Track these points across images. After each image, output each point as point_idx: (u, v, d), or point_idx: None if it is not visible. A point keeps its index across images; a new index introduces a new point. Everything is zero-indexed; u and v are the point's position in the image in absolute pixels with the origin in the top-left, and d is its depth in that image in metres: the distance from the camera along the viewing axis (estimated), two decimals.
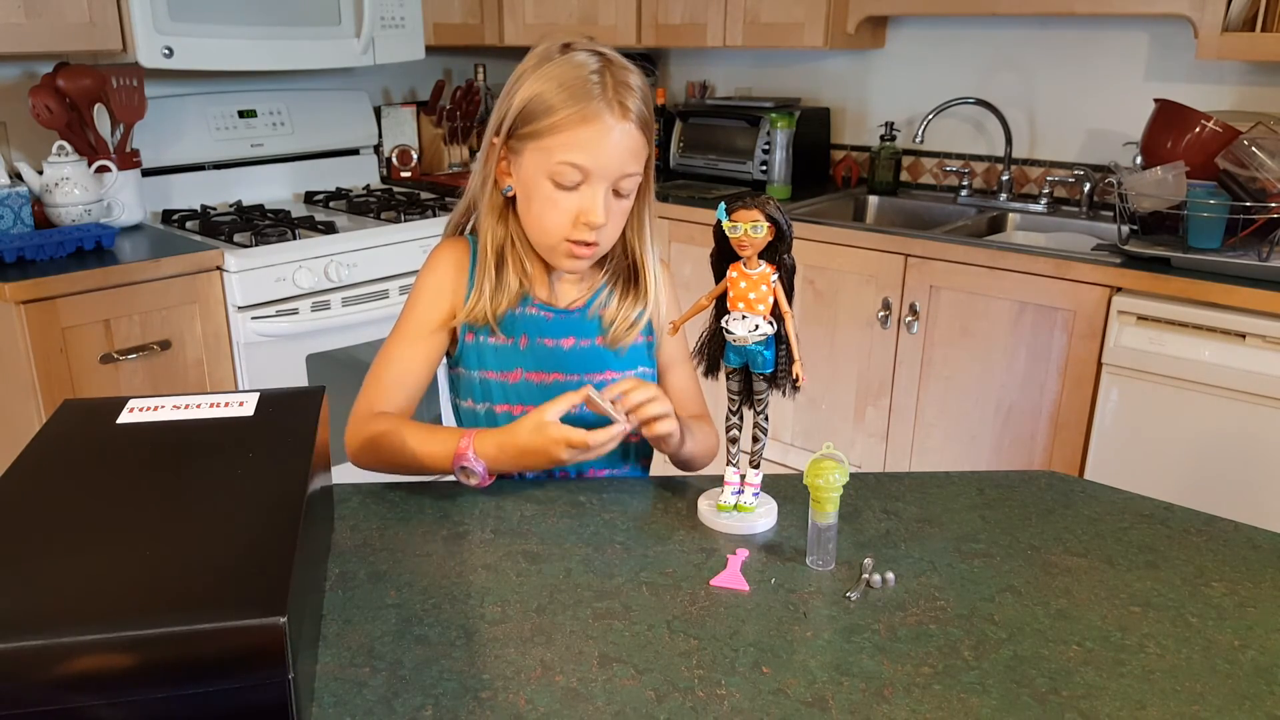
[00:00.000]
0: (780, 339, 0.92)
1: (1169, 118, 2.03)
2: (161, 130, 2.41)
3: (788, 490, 1.02)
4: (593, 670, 0.74)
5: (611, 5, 2.83)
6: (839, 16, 2.50)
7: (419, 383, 1.13)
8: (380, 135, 2.95)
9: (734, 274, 0.91)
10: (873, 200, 2.74)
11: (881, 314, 2.26)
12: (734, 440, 0.98)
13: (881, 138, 2.75)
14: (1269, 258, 1.79)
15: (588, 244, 1.06)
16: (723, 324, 0.93)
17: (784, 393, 0.94)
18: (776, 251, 0.91)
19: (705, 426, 1.18)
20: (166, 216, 2.38)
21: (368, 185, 2.85)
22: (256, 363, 2.13)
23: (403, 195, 2.68)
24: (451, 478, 1.04)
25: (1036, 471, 1.11)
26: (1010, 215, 2.54)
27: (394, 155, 2.97)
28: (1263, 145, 1.82)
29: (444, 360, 1.17)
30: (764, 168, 2.74)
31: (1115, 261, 1.93)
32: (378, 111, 2.94)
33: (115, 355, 1.93)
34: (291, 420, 0.85)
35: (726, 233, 0.89)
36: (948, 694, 0.72)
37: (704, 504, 0.99)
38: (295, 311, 2.16)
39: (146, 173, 2.35)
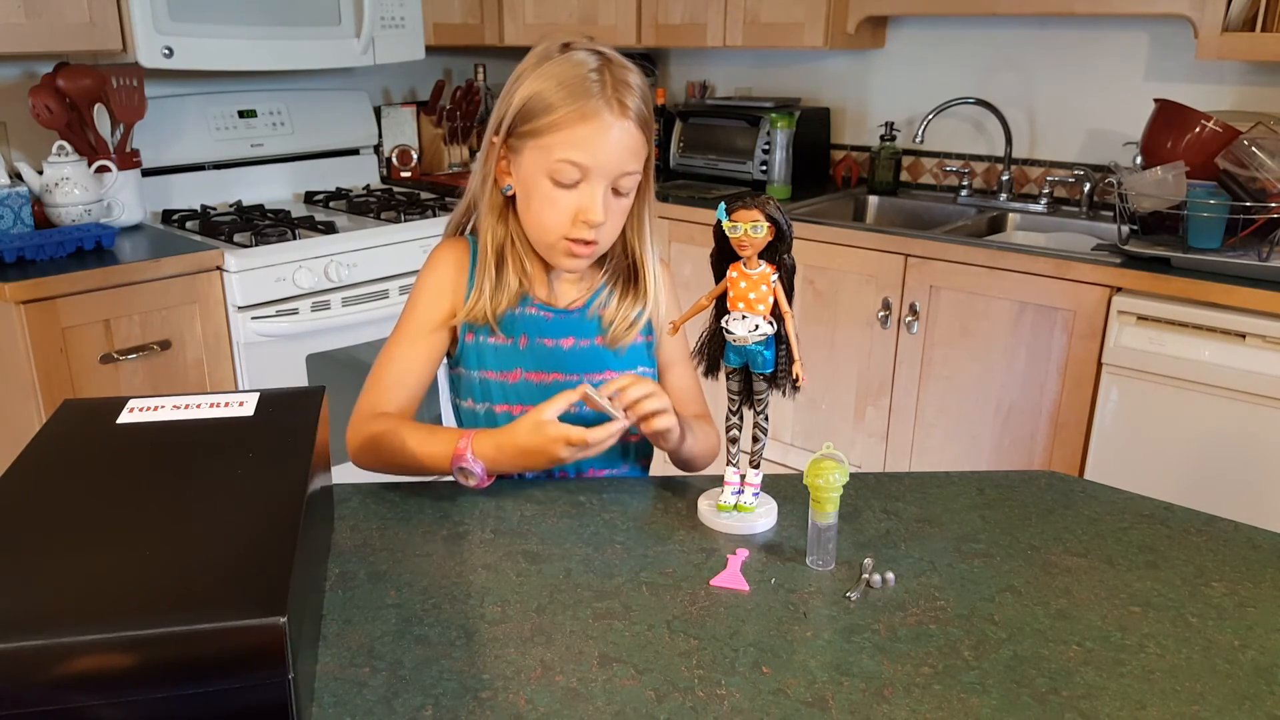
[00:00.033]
0: (780, 339, 0.92)
1: (1169, 118, 2.03)
2: (161, 130, 2.41)
3: (788, 490, 1.02)
4: (593, 670, 0.74)
5: (611, 5, 2.83)
6: (839, 16, 2.50)
7: (420, 382, 1.13)
8: (380, 135, 2.95)
9: (734, 274, 0.91)
10: (873, 200, 2.74)
11: (881, 314, 2.26)
12: (734, 440, 0.98)
13: (881, 138, 2.75)
14: (1269, 258, 1.79)
15: (587, 242, 1.06)
16: (723, 324, 0.93)
17: (784, 393, 0.94)
18: (776, 251, 0.91)
19: (706, 426, 1.18)
20: (166, 216, 2.38)
21: (368, 185, 2.85)
22: (256, 363, 2.13)
23: (403, 195, 2.68)
24: (452, 478, 1.04)
25: (1036, 471, 1.11)
26: (1010, 215, 2.54)
27: (394, 155, 2.97)
28: (1263, 145, 1.82)
29: (444, 360, 1.17)
30: (764, 168, 2.74)
31: (1115, 261, 1.93)
32: (378, 111, 2.94)
33: (115, 355, 1.93)
34: (291, 420, 0.85)
35: (726, 233, 0.89)
36: (948, 694, 0.72)
37: (704, 504, 0.99)
38: (295, 311, 2.16)
39: (146, 173, 2.35)
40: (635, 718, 0.69)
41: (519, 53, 1.12)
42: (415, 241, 2.34)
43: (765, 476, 0.99)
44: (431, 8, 2.65)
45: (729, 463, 0.99)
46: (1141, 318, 1.88)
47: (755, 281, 0.90)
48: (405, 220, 2.39)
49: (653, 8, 2.78)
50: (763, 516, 0.97)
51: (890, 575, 0.87)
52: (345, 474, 1.12)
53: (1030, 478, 1.09)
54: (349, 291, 2.25)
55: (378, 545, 0.93)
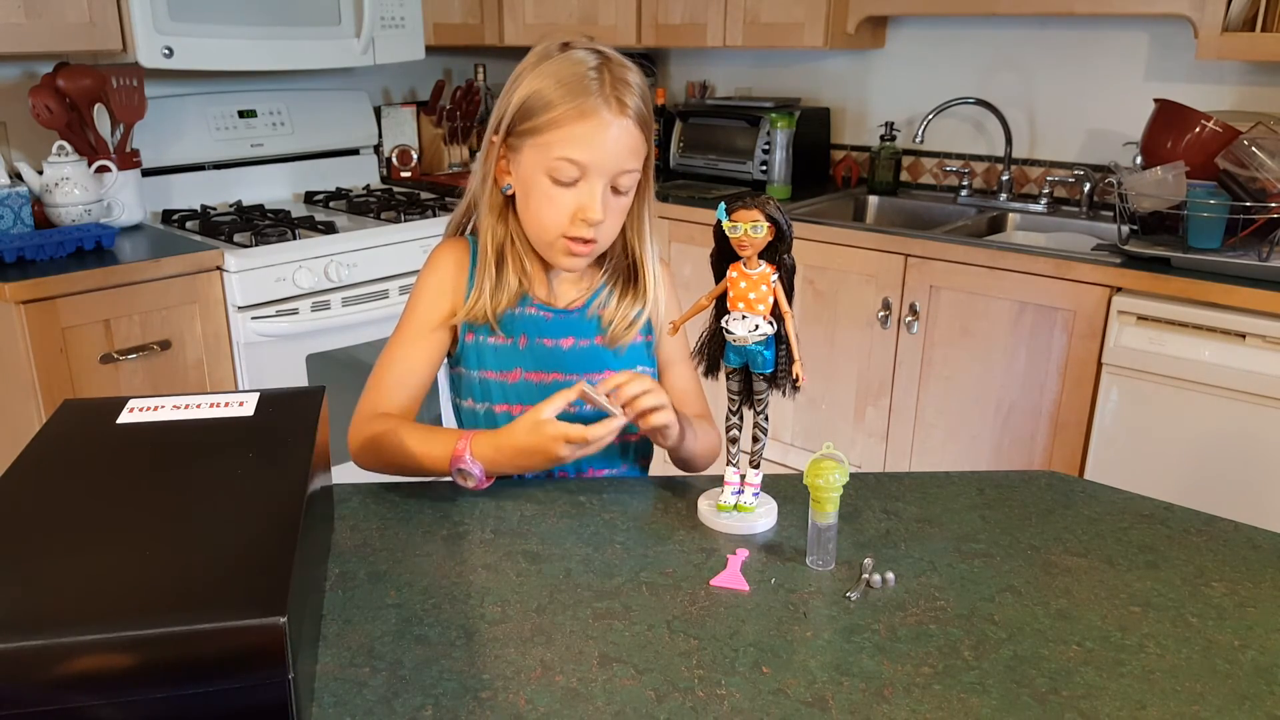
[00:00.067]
0: (780, 339, 0.92)
1: (1169, 118, 2.03)
2: (161, 130, 2.41)
3: (788, 490, 1.02)
4: (593, 670, 0.74)
5: (611, 5, 2.83)
6: (839, 16, 2.50)
7: (421, 382, 1.13)
8: (380, 135, 2.95)
9: (734, 274, 0.91)
10: (873, 200, 2.74)
11: (881, 314, 2.26)
12: (734, 440, 0.98)
13: (881, 138, 2.75)
14: (1269, 258, 1.79)
15: (586, 241, 1.06)
16: (723, 324, 0.93)
17: (784, 393, 0.94)
18: (776, 251, 0.91)
19: (707, 426, 1.18)
20: (166, 216, 2.38)
21: (368, 185, 2.85)
22: (256, 363, 2.13)
23: (403, 195, 2.68)
24: (451, 479, 1.04)
25: (1036, 471, 1.11)
26: (1010, 215, 2.54)
27: (394, 155, 2.97)
28: (1263, 145, 1.82)
29: (445, 360, 1.17)
30: (764, 168, 2.74)
31: (1115, 261, 1.93)
32: (378, 111, 2.94)
33: (115, 355, 1.93)
34: (291, 420, 0.85)
35: (726, 233, 0.89)
36: (948, 694, 0.72)
37: (704, 504, 0.99)
38: (295, 311, 2.16)
39: (146, 173, 2.35)
40: (635, 718, 0.69)
41: (519, 53, 1.12)
42: (415, 241, 2.34)
43: (765, 476, 0.99)
44: (431, 8, 2.65)
45: (729, 463, 0.99)
46: (1141, 318, 1.88)
47: (755, 281, 0.90)
48: (405, 220, 2.39)
49: (653, 8, 2.78)
50: (763, 516, 0.97)
51: (890, 575, 0.87)
52: (345, 474, 1.12)
53: (1030, 478, 1.09)
54: (349, 291, 2.25)
55: (378, 545, 0.93)
